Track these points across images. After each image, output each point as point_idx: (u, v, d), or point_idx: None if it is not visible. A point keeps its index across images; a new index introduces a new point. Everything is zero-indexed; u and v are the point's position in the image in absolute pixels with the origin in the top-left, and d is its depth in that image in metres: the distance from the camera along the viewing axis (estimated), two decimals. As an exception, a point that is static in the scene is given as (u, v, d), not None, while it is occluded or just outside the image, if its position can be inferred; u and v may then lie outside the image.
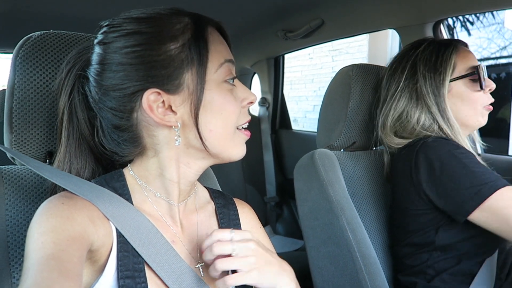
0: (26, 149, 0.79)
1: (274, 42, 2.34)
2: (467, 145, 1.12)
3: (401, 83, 1.18)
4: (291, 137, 2.78)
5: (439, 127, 1.13)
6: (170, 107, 0.66)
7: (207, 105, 0.67)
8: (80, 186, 0.67)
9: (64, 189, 0.66)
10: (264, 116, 2.86)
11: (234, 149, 0.72)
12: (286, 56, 2.75)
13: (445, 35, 1.59)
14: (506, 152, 3.29)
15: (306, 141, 2.54)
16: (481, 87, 1.12)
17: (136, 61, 0.64)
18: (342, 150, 1.33)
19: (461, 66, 1.14)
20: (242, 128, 0.74)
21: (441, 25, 1.56)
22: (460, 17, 4.31)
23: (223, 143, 0.70)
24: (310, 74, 5.87)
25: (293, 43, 2.22)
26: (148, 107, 0.65)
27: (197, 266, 0.73)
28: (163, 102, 0.66)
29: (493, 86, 1.12)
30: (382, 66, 1.36)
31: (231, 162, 0.75)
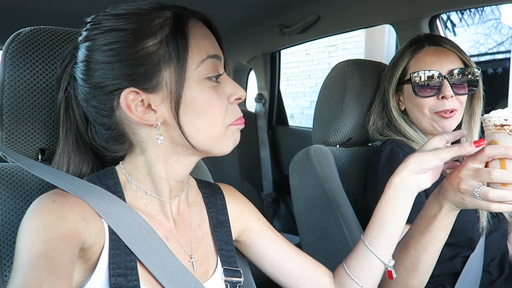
0: (17, 146, 0.78)
1: (270, 38, 2.33)
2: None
3: (381, 82, 1.25)
4: (288, 133, 2.77)
5: (395, 127, 1.17)
6: (150, 105, 0.64)
7: (189, 104, 0.65)
8: (71, 183, 0.66)
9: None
10: (260, 112, 2.85)
11: (225, 144, 0.70)
12: (282, 52, 2.73)
13: (441, 30, 1.59)
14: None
15: (303, 137, 2.54)
16: (416, 94, 1.10)
17: (113, 59, 0.63)
18: (337, 146, 1.33)
19: (413, 69, 1.13)
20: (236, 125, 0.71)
21: (437, 20, 1.56)
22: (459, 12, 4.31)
23: (213, 141, 0.68)
24: (307, 70, 5.86)
25: (289, 38, 2.21)
26: (126, 106, 0.64)
27: (191, 260, 0.73)
28: (142, 101, 0.64)
29: (446, 94, 1.07)
30: (377, 62, 1.36)
31: (227, 158, 0.74)
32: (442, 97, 1.08)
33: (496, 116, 0.72)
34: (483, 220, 1.03)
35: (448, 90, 1.07)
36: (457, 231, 1.01)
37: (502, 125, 0.71)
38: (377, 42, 4.71)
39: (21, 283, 0.48)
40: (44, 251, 0.52)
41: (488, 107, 1.19)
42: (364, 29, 4.60)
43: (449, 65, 1.09)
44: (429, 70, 1.09)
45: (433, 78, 1.08)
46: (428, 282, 1.05)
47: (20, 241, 0.54)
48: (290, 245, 0.88)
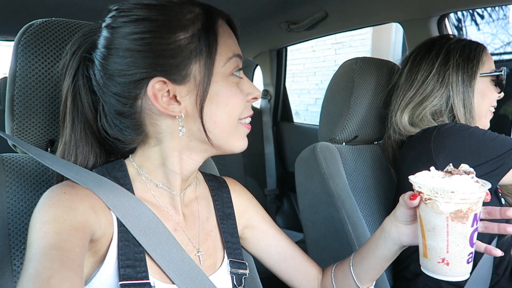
0: (27, 137, 0.78)
1: (277, 34, 2.32)
2: None
3: (434, 69, 1.16)
4: (293, 130, 2.77)
5: (454, 116, 1.14)
6: (175, 97, 0.65)
7: (213, 97, 0.66)
8: (81, 175, 0.67)
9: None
10: (265, 108, 2.85)
11: (236, 141, 0.72)
12: (288, 48, 2.73)
13: (450, 29, 1.58)
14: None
15: (308, 134, 2.54)
16: (501, 90, 1.15)
17: (144, 48, 0.63)
18: (344, 143, 1.33)
19: (487, 65, 1.15)
20: (244, 121, 0.74)
21: (446, 19, 1.55)
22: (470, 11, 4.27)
23: (226, 135, 0.70)
24: (313, 67, 5.84)
25: (296, 35, 2.21)
26: (153, 95, 0.64)
27: (197, 254, 0.74)
28: (168, 91, 0.65)
29: (508, 90, 1.17)
30: (385, 60, 1.35)
31: (232, 154, 0.75)
32: (499, 92, 1.17)
33: (413, 180, 0.65)
34: None
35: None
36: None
37: (419, 192, 0.64)
38: (383, 40, 4.69)
39: (34, 274, 0.48)
40: (55, 242, 0.53)
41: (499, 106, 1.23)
42: (371, 28, 4.58)
43: None
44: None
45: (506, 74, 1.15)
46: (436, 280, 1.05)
47: (32, 232, 0.55)
48: (290, 243, 0.90)
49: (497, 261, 1.07)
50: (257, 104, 2.95)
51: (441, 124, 1.08)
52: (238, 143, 0.73)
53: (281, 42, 2.51)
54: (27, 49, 0.75)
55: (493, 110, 1.17)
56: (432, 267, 0.64)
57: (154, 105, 0.65)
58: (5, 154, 0.80)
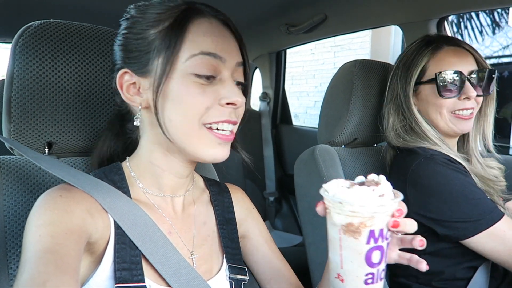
0: (24, 139, 0.78)
1: (276, 37, 2.32)
2: (453, 151, 1.11)
3: (388, 83, 1.20)
4: (292, 133, 2.77)
5: (414, 130, 1.13)
6: (139, 89, 0.69)
7: (169, 93, 0.66)
8: (78, 178, 0.67)
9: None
10: (265, 111, 2.85)
11: (202, 148, 0.68)
12: (288, 51, 2.73)
13: (449, 31, 1.58)
14: (506, 152, 3.29)
15: (307, 137, 2.53)
16: (440, 94, 1.08)
17: (122, 43, 0.70)
18: (343, 146, 1.33)
19: (432, 69, 1.10)
20: (217, 128, 0.68)
21: (445, 22, 1.55)
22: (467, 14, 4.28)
23: (186, 138, 0.67)
24: (312, 70, 5.85)
25: (295, 37, 2.21)
26: (118, 84, 0.70)
27: (191, 257, 0.74)
28: (134, 83, 0.69)
29: (470, 94, 1.06)
30: (384, 62, 1.35)
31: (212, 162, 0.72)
32: (465, 98, 1.08)
33: (323, 186, 0.58)
34: None
35: (471, 91, 1.07)
36: None
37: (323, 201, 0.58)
38: (383, 43, 4.70)
39: (29, 278, 0.48)
40: (51, 246, 0.52)
41: (498, 109, 1.19)
42: (370, 30, 4.59)
43: (468, 66, 1.09)
44: (453, 71, 1.07)
45: (457, 78, 1.07)
46: (432, 285, 1.06)
47: (27, 235, 0.55)
48: (280, 266, 0.86)
49: (494, 267, 1.06)
50: (256, 106, 2.95)
51: (421, 159, 1.05)
52: (204, 151, 0.68)
53: (280, 44, 2.51)
54: (24, 50, 0.74)
55: (462, 113, 1.09)
56: (331, 282, 0.59)
57: (120, 94, 0.70)
58: (2, 156, 0.79)
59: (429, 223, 1.02)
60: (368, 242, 0.53)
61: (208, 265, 0.76)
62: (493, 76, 1.11)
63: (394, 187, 0.57)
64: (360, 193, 0.53)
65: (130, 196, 0.70)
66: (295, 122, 3.00)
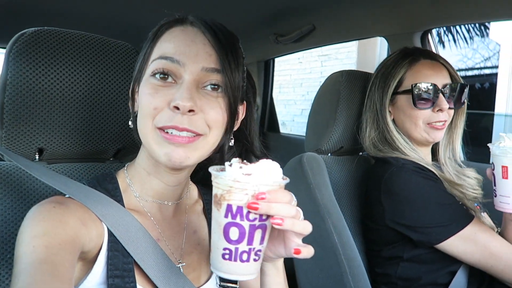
0: (16, 145, 0.78)
1: (265, 46, 2.35)
2: (424, 159, 1.16)
3: (368, 92, 1.25)
4: (279, 140, 2.79)
5: (387, 139, 1.18)
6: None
7: (139, 96, 0.70)
8: (69, 186, 0.68)
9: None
10: (252, 118, 2.87)
11: (155, 147, 0.67)
12: (276, 59, 2.76)
13: (432, 44, 1.63)
14: (488, 160, 3.37)
15: (294, 145, 2.56)
16: (415, 106, 1.13)
17: None
18: (329, 154, 1.35)
19: (409, 81, 1.16)
20: (169, 131, 0.66)
21: (429, 34, 1.60)
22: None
23: (144, 136, 0.69)
24: (299, 78, 5.90)
25: (284, 47, 2.24)
26: (130, 93, 0.76)
27: (178, 266, 0.74)
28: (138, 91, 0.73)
29: (443, 106, 1.12)
30: (370, 73, 1.39)
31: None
32: (438, 110, 1.13)
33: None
34: None
35: (444, 103, 1.12)
36: None
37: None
38: (369, 53, 4.78)
39: (25, 287, 0.48)
40: (46, 257, 0.53)
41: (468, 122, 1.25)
42: (357, 41, 4.66)
43: (443, 79, 1.15)
44: (429, 83, 1.12)
45: (431, 91, 1.12)
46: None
47: (20, 246, 0.55)
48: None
49: (471, 272, 1.09)
50: (244, 114, 2.97)
51: (393, 168, 1.09)
52: (158, 152, 0.67)
53: (269, 53, 2.54)
54: (18, 57, 0.75)
55: (436, 124, 1.14)
56: None
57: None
58: None
59: (404, 230, 1.06)
60: (226, 216, 0.55)
61: (197, 273, 0.77)
62: (464, 90, 1.17)
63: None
64: (229, 167, 0.56)
65: (123, 204, 0.71)
66: (282, 130, 3.03)
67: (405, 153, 1.14)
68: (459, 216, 1.02)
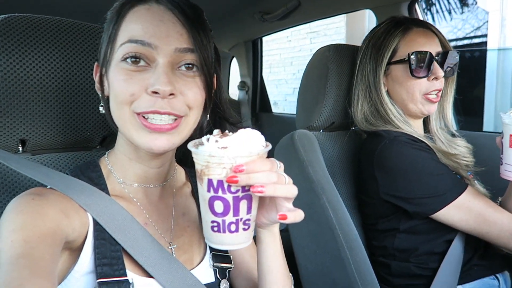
0: (-4, 137, 0.76)
1: (251, 25, 2.31)
2: (416, 130, 1.15)
3: (358, 64, 1.22)
4: (272, 120, 2.78)
5: (379, 112, 1.16)
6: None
7: (110, 82, 0.68)
8: (50, 177, 0.66)
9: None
10: (243, 100, 2.85)
11: (135, 135, 0.66)
12: (264, 39, 2.73)
13: (420, 14, 1.60)
14: (480, 129, 3.39)
15: (287, 124, 2.55)
16: (412, 75, 1.11)
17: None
18: (321, 130, 1.34)
19: (403, 50, 1.13)
20: (148, 117, 0.65)
21: (416, 4, 1.57)
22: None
23: (122, 124, 0.67)
24: (289, 57, 5.85)
25: (270, 25, 2.20)
26: (94, 75, 0.74)
27: (170, 247, 0.74)
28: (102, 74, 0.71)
29: (439, 74, 1.10)
30: (358, 46, 1.37)
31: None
32: (433, 78, 1.12)
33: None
34: None
35: (440, 71, 1.11)
36: None
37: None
38: (358, 28, 4.74)
39: (2, 284, 0.47)
40: (24, 251, 0.51)
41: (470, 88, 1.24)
42: (345, 15, 4.61)
43: (435, 47, 1.13)
44: (425, 51, 1.10)
45: (427, 59, 1.10)
46: (410, 262, 1.09)
47: None
48: (252, 258, 0.84)
49: (466, 241, 1.10)
50: (235, 96, 2.94)
51: (385, 141, 1.08)
52: (138, 139, 0.66)
53: (255, 32, 2.51)
54: None
55: (431, 96, 1.13)
56: None
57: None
58: None
59: (399, 202, 1.06)
60: (208, 191, 0.56)
61: (188, 255, 0.76)
62: (456, 57, 1.16)
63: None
64: (206, 142, 0.56)
65: (108, 192, 0.70)
66: (275, 109, 3.02)
67: (398, 126, 1.13)
68: (453, 185, 1.02)
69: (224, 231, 0.57)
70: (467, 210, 1.00)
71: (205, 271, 0.76)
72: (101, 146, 0.94)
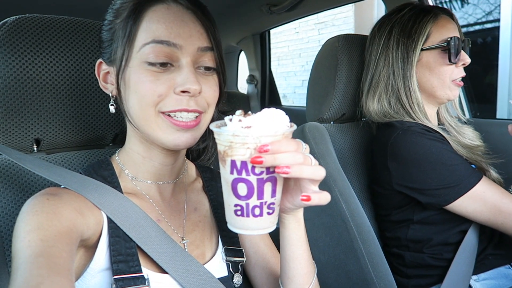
0: (12, 138, 0.77)
1: (258, 18, 2.30)
2: (431, 121, 1.14)
3: (379, 49, 1.18)
4: (281, 113, 2.77)
5: (401, 101, 1.14)
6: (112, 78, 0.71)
7: (127, 81, 0.67)
8: (64, 177, 0.67)
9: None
10: (253, 93, 2.84)
11: (161, 133, 0.67)
12: (272, 31, 2.71)
13: (431, 1, 1.58)
14: (494, 116, 3.33)
15: (297, 117, 2.53)
16: (450, 61, 1.10)
17: (99, 34, 0.73)
18: (332, 122, 1.33)
19: (435, 36, 1.12)
20: (175, 115, 0.67)
21: (426, -10, 1.54)
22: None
23: (146, 124, 0.68)
24: (297, 49, 5.81)
25: (278, 17, 2.19)
26: (96, 73, 0.73)
27: (182, 242, 0.75)
28: (109, 72, 0.72)
29: (467, 61, 1.11)
30: (367, 35, 1.35)
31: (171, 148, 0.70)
32: (462, 64, 1.13)
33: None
34: None
35: (467, 57, 1.12)
36: None
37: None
38: (366, 17, 4.67)
39: (22, 282, 0.48)
40: (42, 250, 0.52)
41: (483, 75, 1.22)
42: (353, 5, 4.55)
43: (459, 34, 1.14)
44: (457, 37, 1.10)
45: (459, 45, 1.11)
46: (424, 252, 1.09)
47: (16, 242, 0.54)
48: (268, 248, 0.85)
49: (481, 231, 1.09)
50: (244, 90, 2.94)
51: (399, 132, 1.07)
52: (163, 136, 0.67)
53: (263, 25, 2.49)
54: (2, 48, 0.73)
55: (460, 80, 1.14)
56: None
57: (99, 81, 0.73)
58: None
59: (412, 193, 1.06)
60: (231, 173, 0.54)
61: (201, 250, 0.77)
62: (469, 45, 1.17)
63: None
64: (228, 123, 0.54)
65: (120, 190, 0.71)
66: (284, 102, 3.00)
67: (416, 117, 1.12)
68: (467, 176, 1.01)
69: (248, 215, 0.55)
70: (482, 201, 0.99)
71: (218, 266, 0.77)
72: (113, 144, 0.95)
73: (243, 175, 0.53)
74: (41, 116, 0.79)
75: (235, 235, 0.82)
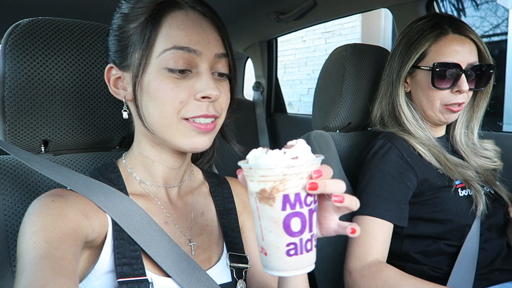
0: (20, 138, 0.78)
1: (266, 25, 2.31)
2: (432, 131, 1.14)
3: (388, 59, 1.19)
4: (287, 121, 2.77)
5: (395, 113, 1.15)
6: (123, 82, 0.71)
7: (145, 88, 0.67)
8: (70, 178, 0.67)
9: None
10: (258, 100, 2.85)
11: (180, 138, 0.68)
12: (279, 39, 2.72)
13: (438, 12, 1.58)
14: (500, 129, 3.32)
15: (302, 125, 2.54)
16: (433, 85, 1.06)
17: (109, 38, 0.73)
18: (337, 131, 1.33)
19: (432, 56, 1.07)
20: (194, 120, 0.68)
21: (434, 2, 1.55)
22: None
23: (165, 129, 0.68)
24: (304, 57, 5.83)
25: (285, 25, 2.20)
26: (106, 78, 0.73)
27: (189, 244, 0.75)
28: (120, 77, 0.71)
29: (463, 89, 1.04)
30: (376, 46, 1.35)
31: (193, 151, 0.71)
32: (457, 91, 1.06)
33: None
34: (480, 207, 1.04)
35: (465, 85, 1.05)
36: (451, 218, 1.04)
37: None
38: (373, 27, 4.69)
39: (27, 284, 0.48)
40: (46, 251, 0.52)
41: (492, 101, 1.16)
42: (360, 14, 4.57)
43: (469, 57, 1.05)
44: (452, 63, 1.04)
45: (453, 71, 1.04)
46: (423, 264, 1.07)
47: (21, 244, 0.54)
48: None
49: (483, 240, 1.07)
50: (250, 96, 2.95)
51: (372, 145, 1.12)
52: (183, 141, 0.68)
53: (270, 33, 2.50)
54: (15, 49, 0.74)
55: (453, 107, 1.07)
56: (260, 257, 0.56)
57: (108, 87, 0.73)
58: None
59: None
60: (284, 209, 0.50)
61: (207, 254, 0.77)
62: (491, 71, 1.08)
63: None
64: (269, 157, 0.50)
65: (126, 193, 0.71)
66: (290, 110, 3.01)
67: (409, 130, 1.10)
68: (371, 205, 1.03)
69: (301, 252, 0.51)
70: (362, 231, 1.00)
71: (222, 271, 0.76)
72: (120, 147, 0.95)
73: (297, 208, 0.51)
74: (50, 118, 0.79)
75: (240, 242, 0.82)
